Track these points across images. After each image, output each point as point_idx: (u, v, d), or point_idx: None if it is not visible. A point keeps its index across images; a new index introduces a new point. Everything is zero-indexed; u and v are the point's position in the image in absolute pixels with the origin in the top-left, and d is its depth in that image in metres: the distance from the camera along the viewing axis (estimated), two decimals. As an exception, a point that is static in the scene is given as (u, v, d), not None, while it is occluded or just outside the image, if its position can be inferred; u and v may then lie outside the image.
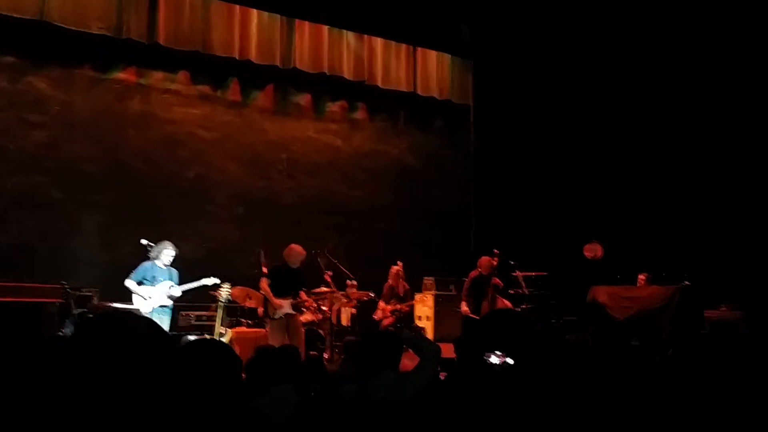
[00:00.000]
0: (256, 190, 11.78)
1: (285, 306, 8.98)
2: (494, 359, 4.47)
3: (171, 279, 8.56)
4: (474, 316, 9.82)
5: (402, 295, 10.73)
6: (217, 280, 8.75)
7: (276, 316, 8.99)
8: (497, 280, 10.22)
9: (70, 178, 10.32)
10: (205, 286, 8.78)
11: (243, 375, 5.81)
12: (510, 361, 4.17)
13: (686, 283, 9.66)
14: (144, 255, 8.51)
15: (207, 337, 8.70)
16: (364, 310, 10.86)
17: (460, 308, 10.09)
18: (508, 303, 10.37)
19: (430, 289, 11.43)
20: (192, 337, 8.66)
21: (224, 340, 8.95)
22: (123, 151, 10.78)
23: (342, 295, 10.34)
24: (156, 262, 8.50)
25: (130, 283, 8.38)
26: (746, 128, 10.68)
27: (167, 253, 8.57)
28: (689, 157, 11.14)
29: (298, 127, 12.38)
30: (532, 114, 12.42)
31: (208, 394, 2.30)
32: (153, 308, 8.36)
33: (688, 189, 11.13)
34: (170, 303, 8.56)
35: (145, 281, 8.41)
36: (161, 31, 10.62)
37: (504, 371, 3.77)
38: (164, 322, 8.48)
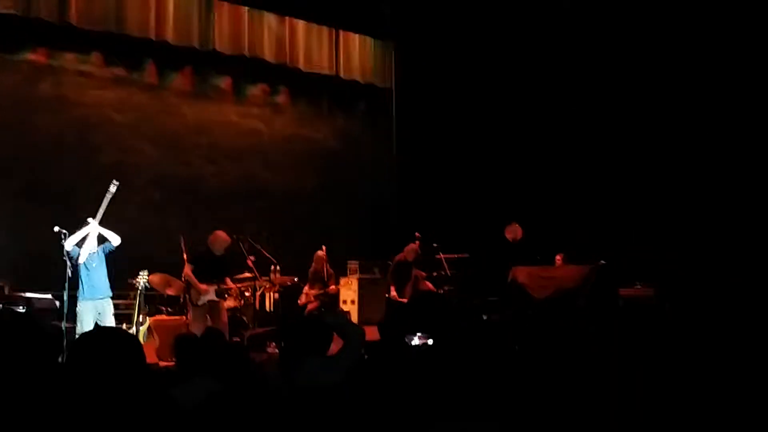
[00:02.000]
0: (175, 175, 11.51)
1: (209, 292, 8.88)
2: (416, 341, 4.53)
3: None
4: (400, 300, 9.97)
5: (326, 279, 10.72)
6: (116, 183, 8.34)
7: (199, 303, 8.89)
8: (419, 271, 10.41)
9: (-23, 163, 9.86)
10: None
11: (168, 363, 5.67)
12: (430, 342, 4.22)
13: (602, 262, 9.94)
14: (59, 242, 8.17)
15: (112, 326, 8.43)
16: (289, 295, 10.75)
17: (388, 293, 10.22)
18: (430, 285, 10.55)
19: (354, 273, 11.45)
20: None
21: (142, 328, 8.77)
22: (33, 136, 10.35)
23: (265, 280, 10.23)
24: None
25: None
26: (654, 103, 10.98)
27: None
28: (601, 140, 11.43)
29: (219, 110, 12.15)
30: (454, 97, 12.53)
31: (107, 383, 2.21)
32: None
33: (602, 172, 11.43)
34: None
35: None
36: (73, 11, 10.21)
37: (424, 351, 3.83)
38: (108, 312, 8.18)
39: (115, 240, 8.29)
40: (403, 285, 10.22)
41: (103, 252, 8.31)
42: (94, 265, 8.17)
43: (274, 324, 10.30)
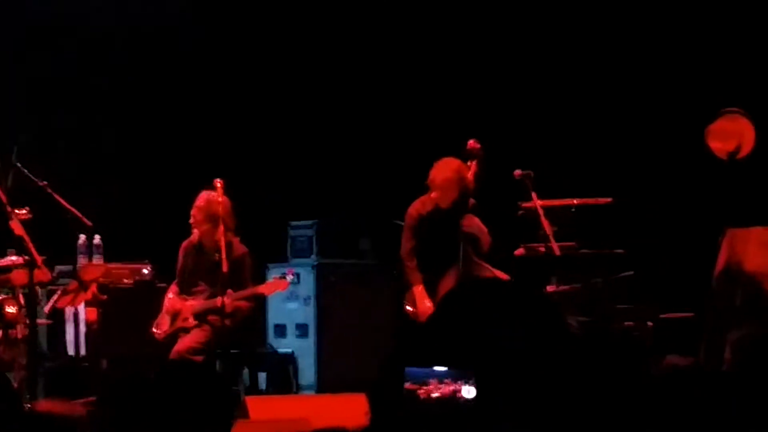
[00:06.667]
0: None
1: None
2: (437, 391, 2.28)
3: None
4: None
5: (230, 265, 4.42)
6: None
7: None
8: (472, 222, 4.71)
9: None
10: None
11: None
12: (468, 394, 2.24)
13: None
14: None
15: None
16: (127, 310, 5.17)
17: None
18: (500, 274, 5.12)
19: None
20: None
21: None
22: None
23: (60, 273, 5.02)
24: None
25: None
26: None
27: None
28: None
29: None
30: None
31: None
32: None
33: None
34: None
35: None
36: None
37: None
38: None
39: None
40: (439, 270, 4.89)
41: None
42: None
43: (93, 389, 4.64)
